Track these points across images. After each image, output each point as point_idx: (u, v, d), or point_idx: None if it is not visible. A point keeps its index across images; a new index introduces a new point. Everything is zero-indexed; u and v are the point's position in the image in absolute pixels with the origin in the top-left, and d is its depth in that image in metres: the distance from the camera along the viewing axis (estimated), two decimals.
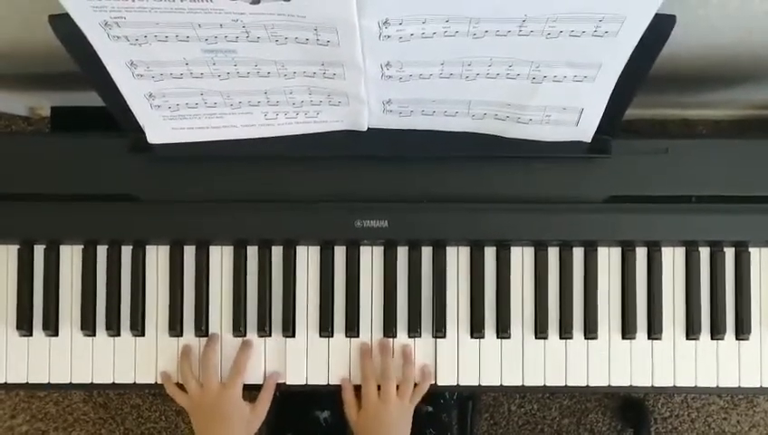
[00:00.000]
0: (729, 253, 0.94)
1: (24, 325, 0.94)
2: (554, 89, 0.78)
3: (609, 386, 0.93)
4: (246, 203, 0.91)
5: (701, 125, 1.48)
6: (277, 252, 0.94)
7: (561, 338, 0.93)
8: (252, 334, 0.94)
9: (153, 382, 0.95)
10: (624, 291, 0.93)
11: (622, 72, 0.75)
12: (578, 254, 0.94)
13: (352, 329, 0.93)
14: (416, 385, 0.93)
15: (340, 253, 0.94)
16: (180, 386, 0.93)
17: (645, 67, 0.77)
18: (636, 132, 1.42)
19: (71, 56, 0.77)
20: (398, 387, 0.92)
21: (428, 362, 0.94)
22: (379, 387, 0.92)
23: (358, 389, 0.93)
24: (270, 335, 0.94)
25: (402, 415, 0.92)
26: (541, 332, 0.93)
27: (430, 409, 1.10)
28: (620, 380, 0.93)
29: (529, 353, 0.93)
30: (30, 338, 0.95)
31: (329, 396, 0.95)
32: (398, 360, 0.93)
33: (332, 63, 0.74)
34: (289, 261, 0.94)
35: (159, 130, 0.85)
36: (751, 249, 0.93)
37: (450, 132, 0.88)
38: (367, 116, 0.85)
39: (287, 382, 0.94)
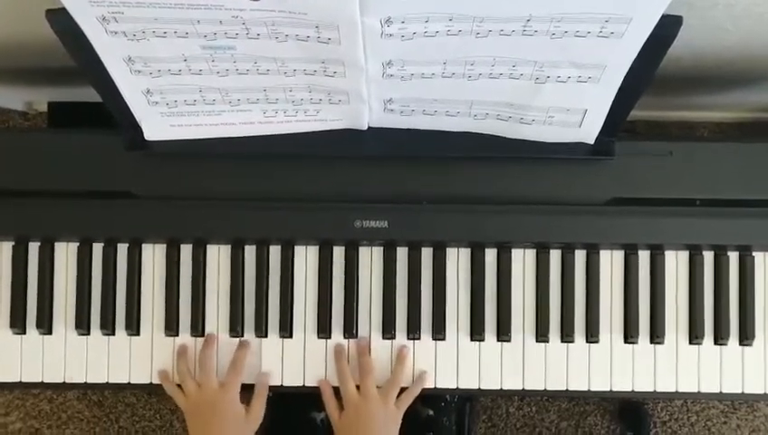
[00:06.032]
0: (733, 257, 0.93)
1: (18, 323, 0.93)
2: (558, 89, 0.77)
3: (610, 391, 0.92)
4: (244, 202, 0.90)
5: (703, 127, 1.47)
6: (275, 252, 0.93)
7: (562, 341, 0.92)
8: (249, 335, 0.93)
9: (148, 382, 0.93)
10: (626, 294, 0.92)
11: (627, 74, 0.74)
12: (580, 256, 0.93)
13: (351, 330, 0.92)
14: (407, 389, 0.91)
15: (338, 253, 0.93)
16: (179, 386, 0.92)
17: (650, 68, 0.75)
18: (637, 133, 1.40)
19: (67, 51, 0.76)
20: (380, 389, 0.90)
21: (428, 364, 0.92)
22: (358, 387, 0.90)
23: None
24: (267, 336, 0.93)
25: (387, 419, 0.89)
26: (542, 335, 0.92)
27: (431, 412, 1.09)
28: (622, 384, 0.92)
29: (530, 357, 0.92)
30: (23, 336, 0.94)
31: None
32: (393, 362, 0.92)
33: (333, 61, 0.73)
34: (287, 261, 0.93)
35: (157, 126, 0.84)
36: (755, 253, 0.92)
37: (451, 132, 0.87)
38: (367, 115, 0.84)
39: (284, 384, 0.93)
